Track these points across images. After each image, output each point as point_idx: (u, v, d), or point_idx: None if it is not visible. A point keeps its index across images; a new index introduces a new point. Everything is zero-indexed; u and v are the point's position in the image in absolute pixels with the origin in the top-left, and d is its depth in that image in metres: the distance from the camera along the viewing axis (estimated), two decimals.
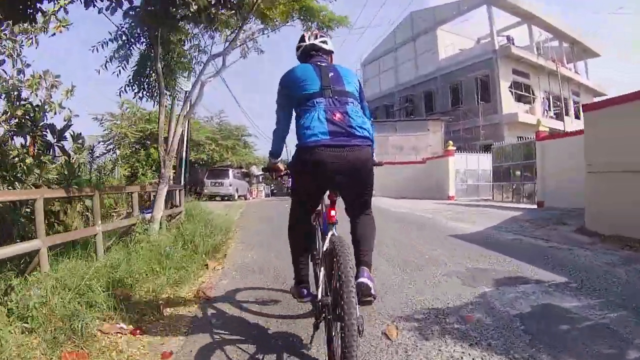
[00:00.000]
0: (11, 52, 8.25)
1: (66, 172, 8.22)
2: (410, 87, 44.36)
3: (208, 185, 30.75)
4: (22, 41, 8.24)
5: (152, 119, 28.46)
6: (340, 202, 3.79)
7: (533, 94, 37.54)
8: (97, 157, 23.62)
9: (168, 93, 11.10)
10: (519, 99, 36.39)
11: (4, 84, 7.95)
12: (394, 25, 46.71)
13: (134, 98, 10.81)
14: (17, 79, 8.10)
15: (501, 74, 34.90)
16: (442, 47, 40.89)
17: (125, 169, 23.70)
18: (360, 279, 3.21)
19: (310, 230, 4.15)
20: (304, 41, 4.00)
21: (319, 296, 3.27)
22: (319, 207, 4.17)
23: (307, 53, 3.97)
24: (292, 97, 3.66)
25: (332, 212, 3.68)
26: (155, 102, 10.79)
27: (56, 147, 8.17)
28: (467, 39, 41.48)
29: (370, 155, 3.52)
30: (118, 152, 24.56)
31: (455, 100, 39.01)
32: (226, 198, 30.25)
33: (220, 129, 38.61)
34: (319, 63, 3.77)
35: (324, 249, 3.47)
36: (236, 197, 31.48)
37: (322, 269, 3.39)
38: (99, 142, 27.51)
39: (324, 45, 3.97)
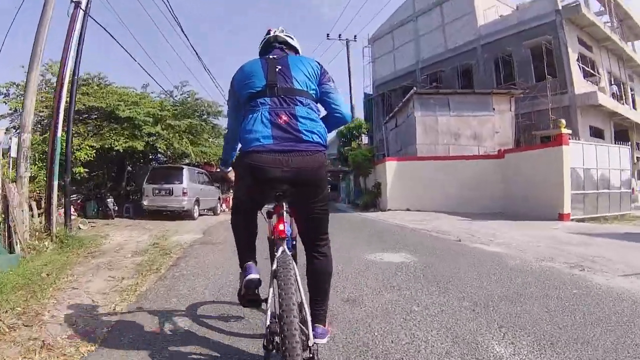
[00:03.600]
0: None
1: None
2: (438, 62, 36.09)
3: (149, 193, 19.81)
4: None
5: (85, 90, 20.03)
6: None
7: (598, 73, 30.56)
8: None
9: None
10: (584, 77, 29.10)
11: None
12: None
13: None
14: None
15: (569, 42, 27.42)
16: (481, 11, 33.21)
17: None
18: (316, 340, 2.95)
19: (253, 221, 3.53)
20: (269, 33, 3.69)
21: (267, 321, 2.91)
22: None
23: (268, 46, 3.64)
24: (240, 96, 3.38)
25: (281, 226, 3.15)
26: None
27: None
28: (506, 5, 34.54)
29: (323, 162, 3.16)
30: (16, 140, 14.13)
31: (506, 77, 30.43)
32: (181, 212, 19.86)
33: (174, 103, 24.63)
34: (270, 56, 3.41)
35: (273, 268, 2.99)
36: (196, 214, 20.59)
37: (271, 290, 3.00)
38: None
39: (288, 39, 3.64)
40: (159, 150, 22.10)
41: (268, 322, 2.87)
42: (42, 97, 18.30)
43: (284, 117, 3.02)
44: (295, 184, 3.03)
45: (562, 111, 25.78)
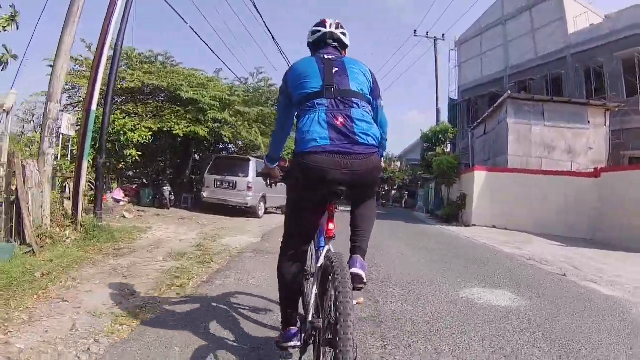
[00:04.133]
0: None
1: None
2: (527, 69, 33.63)
3: (210, 185, 18.08)
4: None
5: (148, 69, 19.01)
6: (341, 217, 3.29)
7: None
8: None
9: None
10: None
11: None
12: None
13: None
14: None
15: None
16: (572, 18, 30.81)
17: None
18: (353, 270, 2.97)
19: (304, 263, 3.51)
20: (324, 27, 3.56)
21: (310, 317, 2.94)
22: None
23: (321, 42, 3.55)
24: (293, 95, 3.27)
25: (331, 226, 3.20)
26: None
27: None
28: (596, 15, 31.90)
29: (378, 164, 3.14)
30: (68, 117, 13.02)
31: (597, 89, 27.91)
32: (244, 208, 17.99)
33: (246, 89, 22.68)
34: (325, 56, 3.33)
35: (319, 264, 3.08)
36: (261, 211, 18.68)
37: (314, 287, 3.04)
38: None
39: (342, 37, 3.57)
40: (225, 138, 20.10)
41: (310, 318, 2.89)
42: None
43: (341, 119, 2.98)
44: (352, 186, 3.00)
45: None
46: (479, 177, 20.48)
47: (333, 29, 3.51)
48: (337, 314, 2.35)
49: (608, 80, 26.97)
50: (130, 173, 20.98)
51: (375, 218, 3.48)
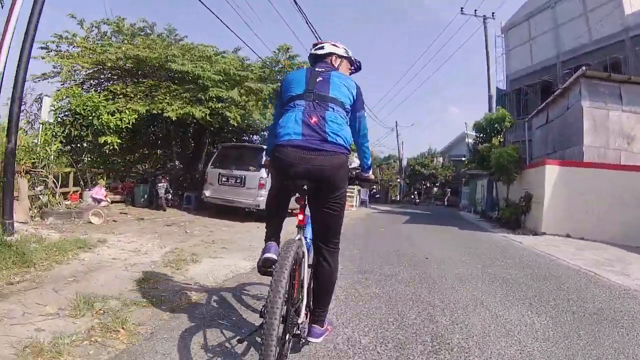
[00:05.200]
0: None
1: None
2: (581, 55, 30.10)
3: (213, 181, 14.84)
4: None
5: (146, 43, 16.26)
6: None
7: None
8: None
9: None
10: None
11: None
12: None
13: None
14: None
15: None
16: None
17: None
18: (310, 338, 3.47)
19: (283, 207, 3.98)
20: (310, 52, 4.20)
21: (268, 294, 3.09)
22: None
23: (312, 63, 4.08)
24: (284, 97, 3.73)
25: (300, 216, 3.55)
26: None
27: None
28: None
29: (344, 164, 3.46)
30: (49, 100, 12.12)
31: None
32: (253, 209, 14.50)
33: (263, 65, 18.69)
34: (317, 69, 3.80)
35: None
36: None
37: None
38: None
39: (318, 52, 4.03)
40: (231, 120, 16.23)
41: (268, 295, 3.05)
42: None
43: (315, 119, 3.32)
44: (314, 179, 3.27)
45: None
46: (551, 173, 16.62)
47: (312, 51, 4.03)
48: (270, 290, 2.67)
49: None
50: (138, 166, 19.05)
51: (341, 217, 3.60)
